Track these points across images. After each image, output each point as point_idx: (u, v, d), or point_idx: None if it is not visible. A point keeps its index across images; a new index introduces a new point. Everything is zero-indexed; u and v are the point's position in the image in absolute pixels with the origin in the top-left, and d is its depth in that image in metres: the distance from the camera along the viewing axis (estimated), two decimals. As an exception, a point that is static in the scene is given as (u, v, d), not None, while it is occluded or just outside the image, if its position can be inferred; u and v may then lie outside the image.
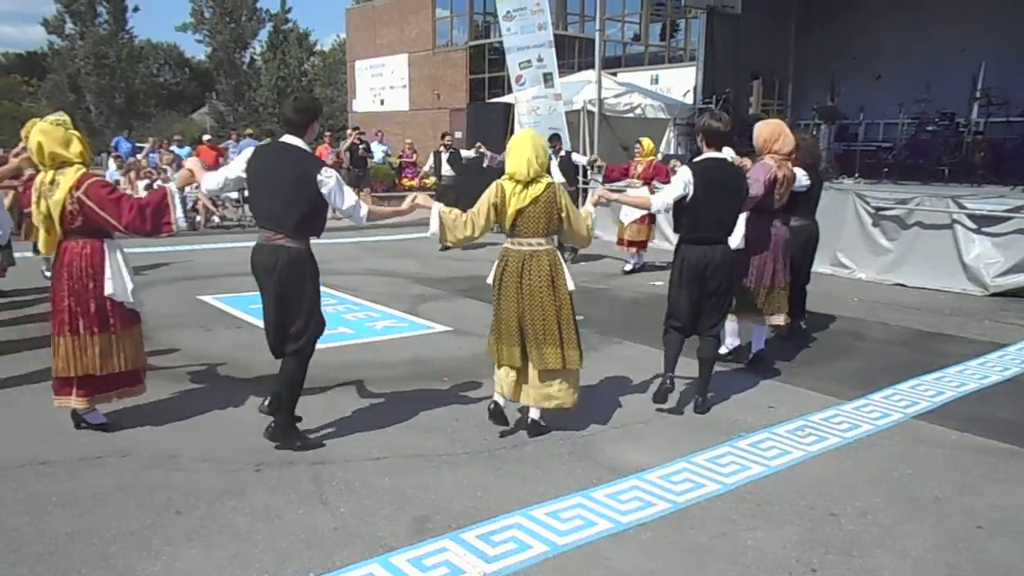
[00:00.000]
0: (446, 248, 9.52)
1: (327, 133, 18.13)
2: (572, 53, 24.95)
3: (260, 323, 6.61)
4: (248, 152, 4.03)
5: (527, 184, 4.01)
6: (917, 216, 8.78)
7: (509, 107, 14.04)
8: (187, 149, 15.50)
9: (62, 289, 3.95)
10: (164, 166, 14.04)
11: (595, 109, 13.46)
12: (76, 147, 3.94)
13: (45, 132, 3.89)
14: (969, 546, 3.17)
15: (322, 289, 7.80)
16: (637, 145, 9.90)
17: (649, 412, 4.66)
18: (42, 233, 3.95)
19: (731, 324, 5.51)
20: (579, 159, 11.32)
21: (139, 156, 15.36)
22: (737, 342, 5.73)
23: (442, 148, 12.88)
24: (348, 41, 32.75)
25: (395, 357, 5.76)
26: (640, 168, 9.57)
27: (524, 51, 13.54)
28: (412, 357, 5.76)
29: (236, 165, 4.01)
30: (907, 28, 12.79)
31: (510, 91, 14.99)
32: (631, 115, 14.26)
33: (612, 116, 13.92)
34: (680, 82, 19.74)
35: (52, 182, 3.86)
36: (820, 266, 9.30)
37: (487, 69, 25.74)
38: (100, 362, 3.99)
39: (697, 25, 16.68)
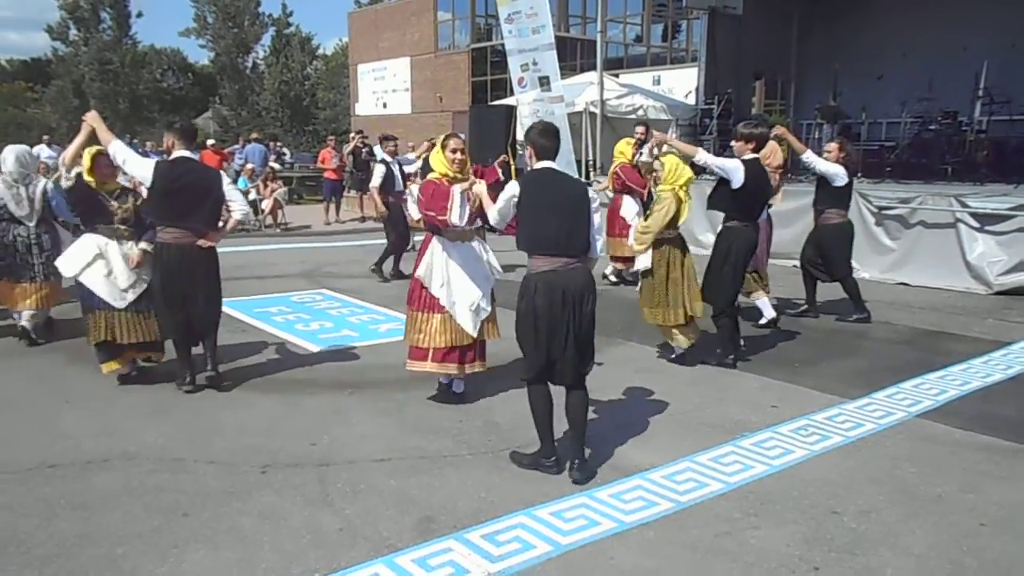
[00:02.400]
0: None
1: (331, 137, 18.16)
2: (574, 55, 25.00)
3: (264, 327, 6.74)
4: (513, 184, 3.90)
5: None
6: (920, 215, 8.78)
7: (511, 109, 14.06)
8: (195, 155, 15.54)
9: None
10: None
11: (597, 110, 13.49)
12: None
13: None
14: (972, 544, 3.17)
15: (325, 292, 7.87)
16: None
17: (652, 412, 4.68)
18: None
19: (766, 298, 6.58)
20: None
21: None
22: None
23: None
24: (350, 45, 32.88)
25: (399, 359, 5.75)
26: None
27: (523, 54, 13.60)
28: (416, 359, 5.77)
29: (508, 190, 3.84)
30: (909, 27, 12.80)
31: (512, 93, 15.04)
32: (633, 116, 14.27)
33: (614, 117, 13.96)
34: (682, 83, 19.79)
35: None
36: (823, 265, 9.36)
37: (489, 71, 25.80)
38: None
39: (699, 26, 16.71)
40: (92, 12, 40.58)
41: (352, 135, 17.43)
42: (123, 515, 3.33)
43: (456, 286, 4.57)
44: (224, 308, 7.27)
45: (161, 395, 4.90)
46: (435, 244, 4.57)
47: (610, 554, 3.09)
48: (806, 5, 15.02)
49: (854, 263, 9.20)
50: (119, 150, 4.78)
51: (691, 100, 16.13)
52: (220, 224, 5.04)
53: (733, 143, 5.73)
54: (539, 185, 3.78)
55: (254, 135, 19.03)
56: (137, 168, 4.79)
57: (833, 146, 6.95)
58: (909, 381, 5.25)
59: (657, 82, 21.78)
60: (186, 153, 4.92)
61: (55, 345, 5.97)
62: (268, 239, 13.11)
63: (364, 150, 15.77)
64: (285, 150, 20.68)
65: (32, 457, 3.89)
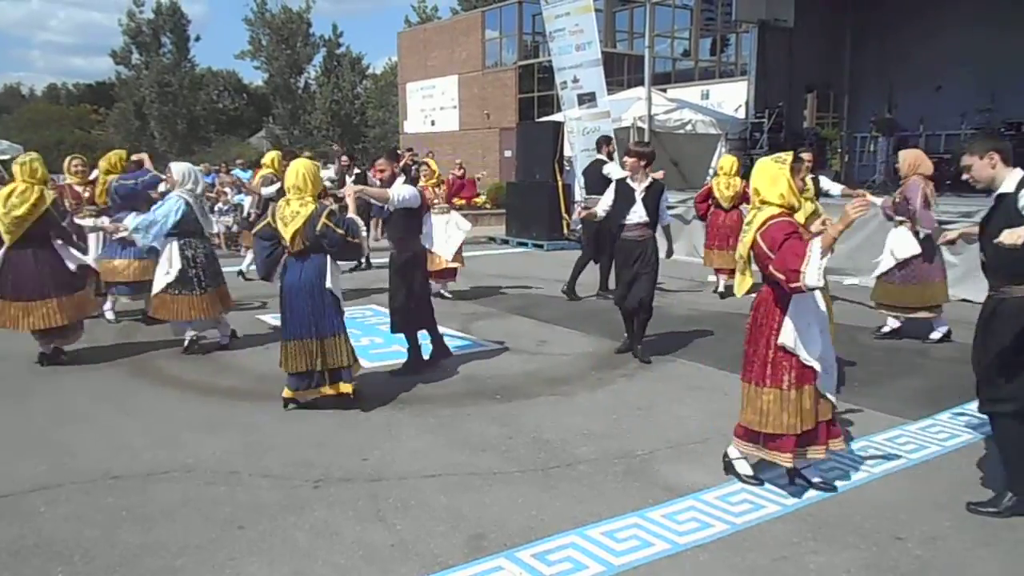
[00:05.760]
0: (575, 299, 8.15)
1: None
2: (621, 70, 24.96)
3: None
4: None
5: None
6: (983, 229, 8.48)
7: (558, 125, 14.11)
8: (249, 172, 15.94)
9: (753, 337, 3.75)
10: (224, 188, 14.50)
11: (645, 126, 13.44)
12: (779, 189, 3.62)
13: (762, 170, 3.71)
14: (1047, 574, 3.03)
15: (375, 307, 7.97)
16: (424, 166, 9.24)
17: (705, 432, 4.59)
18: (737, 275, 3.85)
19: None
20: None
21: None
22: None
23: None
24: (399, 64, 33.39)
25: (448, 375, 5.81)
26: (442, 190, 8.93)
27: (561, 72, 13.68)
28: (465, 375, 5.80)
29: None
30: (968, 36, 12.46)
31: (559, 109, 15.09)
32: (682, 131, 14.19)
33: (663, 132, 13.88)
34: (731, 97, 19.62)
35: (748, 223, 3.71)
36: (881, 282, 9.09)
37: (536, 88, 25.91)
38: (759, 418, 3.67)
39: (748, 39, 16.55)
40: (153, 37, 42.15)
41: (402, 152, 17.68)
42: (182, 526, 3.40)
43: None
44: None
45: (216, 409, 5.00)
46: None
47: (664, 576, 3.03)
48: (859, 16, 14.74)
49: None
50: (395, 191, 5.57)
51: (741, 114, 15.95)
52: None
53: (625, 158, 6.04)
54: None
55: (306, 153, 19.41)
56: (408, 193, 5.58)
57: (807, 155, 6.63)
58: (975, 402, 5.02)
59: (706, 96, 21.63)
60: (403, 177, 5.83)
61: (116, 360, 6.15)
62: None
63: (414, 167, 15.96)
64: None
65: (96, 468, 4.01)
